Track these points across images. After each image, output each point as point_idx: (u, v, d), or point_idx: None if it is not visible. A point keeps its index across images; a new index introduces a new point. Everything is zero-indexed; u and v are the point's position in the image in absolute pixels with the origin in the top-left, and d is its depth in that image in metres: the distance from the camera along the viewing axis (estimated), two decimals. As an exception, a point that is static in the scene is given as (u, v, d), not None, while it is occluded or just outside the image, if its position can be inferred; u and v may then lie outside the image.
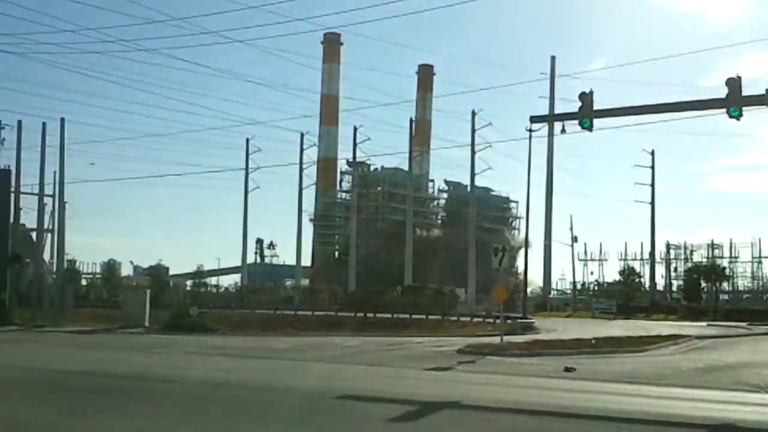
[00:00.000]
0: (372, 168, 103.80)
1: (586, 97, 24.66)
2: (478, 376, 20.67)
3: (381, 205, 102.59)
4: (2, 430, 11.55)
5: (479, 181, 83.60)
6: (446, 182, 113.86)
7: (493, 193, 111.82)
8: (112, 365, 22.36)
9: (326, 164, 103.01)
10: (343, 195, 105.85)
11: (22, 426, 11.97)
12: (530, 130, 49.10)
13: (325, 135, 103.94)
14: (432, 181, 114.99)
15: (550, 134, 78.44)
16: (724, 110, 23.20)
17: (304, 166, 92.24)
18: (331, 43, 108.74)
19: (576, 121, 25.31)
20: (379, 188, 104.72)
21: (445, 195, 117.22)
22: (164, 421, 12.30)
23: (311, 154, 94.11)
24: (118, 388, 16.86)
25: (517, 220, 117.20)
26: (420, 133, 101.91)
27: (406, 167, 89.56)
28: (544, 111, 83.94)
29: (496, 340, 30.55)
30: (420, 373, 21.57)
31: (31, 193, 58.13)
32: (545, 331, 42.95)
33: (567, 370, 21.46)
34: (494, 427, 12.13)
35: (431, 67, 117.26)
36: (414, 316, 49.97)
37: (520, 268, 74.61)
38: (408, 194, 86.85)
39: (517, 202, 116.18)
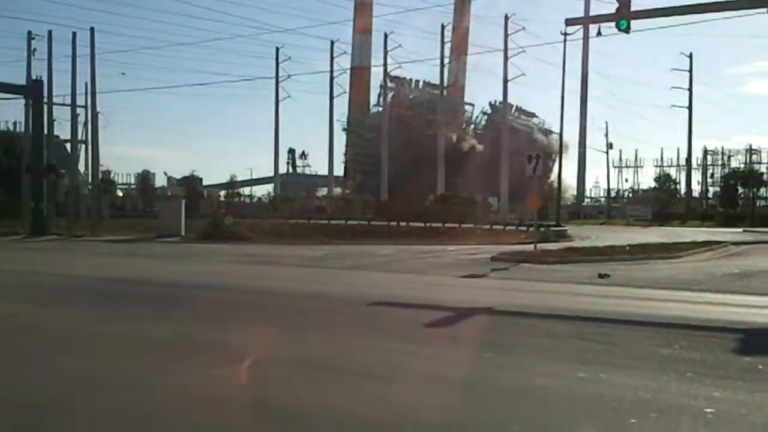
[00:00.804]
0: (410, 81, 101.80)
1: (623, -3, 23.99)
2: (512, 283, 20.75)
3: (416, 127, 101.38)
4: (45, 337, 11.80)
5: (514, 90, 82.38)
6: (490, 105, 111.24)
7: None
8: (150, 273, 22.73)
9: (359, 73, 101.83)
10: (378, 109, 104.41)
11: (69, 332, 12.22)
12: (565, 34, 47.88)
13: (358, 43, 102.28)
14: (472, 105, 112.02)
15: (585, 37, 76.69)
16: (765, 10, 22.50)
17: (335, 74, 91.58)
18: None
19: (612, 23, 24.69)
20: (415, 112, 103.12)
21: (485, 118, 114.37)
22: (202, 327, 12.51)
23: (342, 62, 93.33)
24: (158, 295, 17.15)
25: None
26: (457, 40, 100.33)
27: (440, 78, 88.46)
28: (580, 13, 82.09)
29: (530, 247, 30.60)
30: (454, 280, 21.71)
31: (64, 104, 58.28)
32: (579, 239, 42.92)
33: (601, 276, 21.44)
34: (529, 330, 12.20)
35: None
36: (447, 225, 50.09)
37: (554, 175, 73.83)
38: (440, 106, 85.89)
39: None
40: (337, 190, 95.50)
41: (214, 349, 10.66)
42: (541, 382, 8.64)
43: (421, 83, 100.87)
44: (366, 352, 10.43)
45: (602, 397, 7.94)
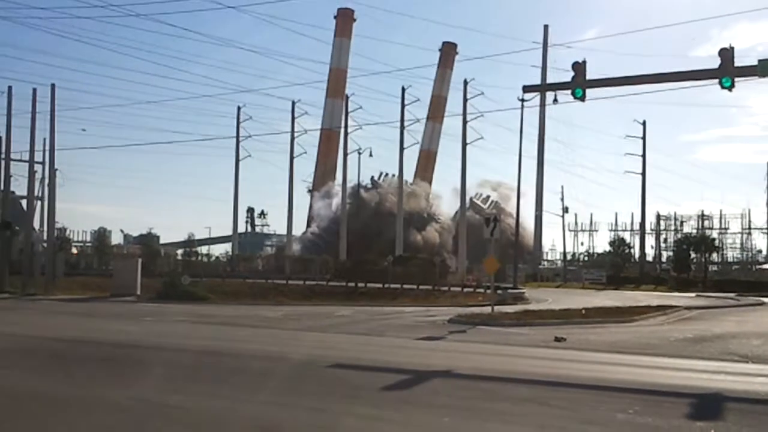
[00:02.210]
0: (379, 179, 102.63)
1: (579, 67, 24.63)
2: (470, 346, 20.82)
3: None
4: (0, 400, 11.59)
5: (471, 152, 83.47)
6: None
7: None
8: (105, 334, 22.44)
9: (329, 135, 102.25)
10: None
11: (21, 396, 12.01)
12: (522, 100, 49.01)
13: (330, 107, 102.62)
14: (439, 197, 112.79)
15: (542, 104, 78.47)
16: (717, 81, 23.24)
17: (296, 134, 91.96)
18: (344, 18, 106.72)
19: (568, 91, 25.30)
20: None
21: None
22: (159, 390, 12.36)
23: (303, 122, 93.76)
24: (113, 357, 16.94)
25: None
26: (434, 107, 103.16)
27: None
28: (537, 81, 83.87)
29: (487, 310, 30.73)
30: (412, 342, 21.71)
31: (21, 160, 57.85)
32: (536, 302, 43.20)
33: (557, 339, 21.63)
34: (487, 394, 12.25)
35: (454, 45, 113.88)
36: (405, 286, 50.15)
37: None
38: (399, 171, 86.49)
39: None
40: (296, 247, 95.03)
41: (169, 414, 10.55)
42: (498, 446, 8.69)
43: (387, 176, 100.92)
44: (322, 415, 10.40)
45: (558, 462, 8.01)
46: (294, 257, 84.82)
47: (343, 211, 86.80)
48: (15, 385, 12.93)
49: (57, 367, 15.34)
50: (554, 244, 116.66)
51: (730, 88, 23.09)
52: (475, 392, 12.59)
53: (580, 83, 24.71)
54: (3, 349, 18.21)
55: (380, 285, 51.06)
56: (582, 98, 24.92)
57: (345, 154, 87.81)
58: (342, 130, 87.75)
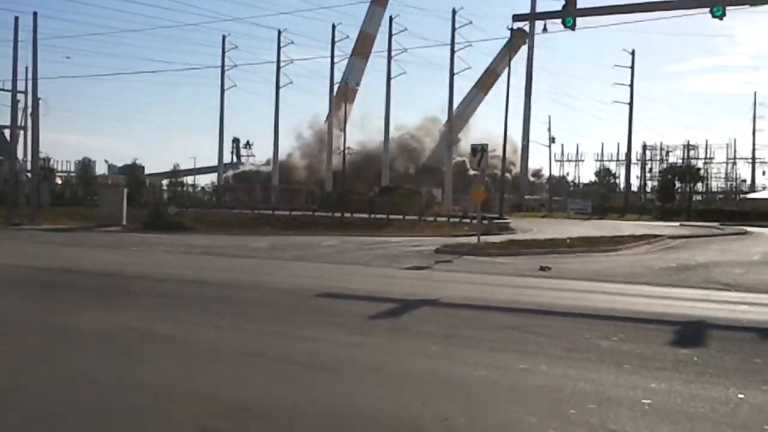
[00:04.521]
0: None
1: (569, -5, 24.32)
2: (456, 275, 20.96)
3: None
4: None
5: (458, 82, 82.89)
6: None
7: None
8: (92, 263, 22.45)
9: (350, 95, 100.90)
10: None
11: (6, 324, 12.03)
12: (512, 29, 48.52)
13: (371, 13, 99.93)
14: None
15: (531, 33, 77.58)
16: (708, 10, 23.01)
17: (282, 64, 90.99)
18: None
19: (559, 20, 25.01)
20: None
21: None
22: (147, 319, 12.42)
23: (288, 52, 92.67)
24: (100, 286, 16.97)
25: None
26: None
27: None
28: (526, 9, 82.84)
29: (473, 240, 30.91)
30: (398, 272, 21.84)
31: (4, 90, 57.03)
32: (521, 232, 43.45)
33: (542, 269, 21.80)
34: (472, 323, 12.37)
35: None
36: (391, 216, 50.30)
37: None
38: (385, 112, 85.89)
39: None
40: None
41: (157, 342, 10.62)
42: (484, 373, 8.80)
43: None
44: (310, 344, 10.48)
45: (543, 388, 8.12)
46: (280, 187, 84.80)
47: (330, 139, 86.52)
48: (4, 315, 12.93)
49: (45, 296, 15.37)
50: (541, 172, 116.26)
51: (721, 17, 22.91)
52: (462, 320, 12.70)
53: (570, 12, 24.45)
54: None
55: (366, 215, 51.19)
56: (572, 27, 24.67)
57: (331, 84, 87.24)
58: (329, 59, 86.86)
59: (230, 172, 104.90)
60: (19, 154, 61.79)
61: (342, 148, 74.46)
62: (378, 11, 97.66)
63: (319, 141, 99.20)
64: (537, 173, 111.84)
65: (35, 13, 56.72)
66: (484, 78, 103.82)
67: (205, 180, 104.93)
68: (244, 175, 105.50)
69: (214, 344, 10.41)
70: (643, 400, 7.60)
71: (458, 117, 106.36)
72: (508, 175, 75.19)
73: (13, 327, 11.63)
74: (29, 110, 58.41)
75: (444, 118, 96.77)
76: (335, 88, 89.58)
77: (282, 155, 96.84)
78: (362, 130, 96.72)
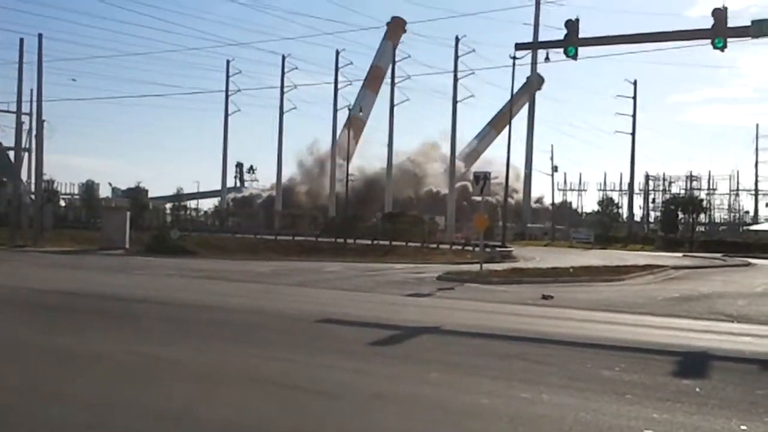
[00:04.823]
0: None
1: (572, 25, 24.49)
2: (458, 303, 20.93)
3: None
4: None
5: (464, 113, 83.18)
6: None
7: None
8: (96, 286, 22.46)
9: (355, 124, 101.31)
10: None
11: (7, 345, 12.03)
12: (514, 58, 48.80)
13: (362, 97, 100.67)
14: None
15: (534, 62, 77.77)
16: (709, 41, 23.16)
17: (285, 89, 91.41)
18: (396, 26, 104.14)
19: (561, 50, 25.16)
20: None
21: None
22: (150, 343, 12.42)
23: (293, 77, 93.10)
24: (105, 309, 16.96)
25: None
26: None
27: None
28: (529, 38, 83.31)
29: (476, 267, 30.85)
30: (400, 298, 21.81)
31: (8, 111, 57.35)
32: (524, 260, 43.41)
33: (545, 297, 21.76)
34: (474, 350, 12.34)
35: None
36: (394, 243, 50.30)
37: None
38: (389, 129, 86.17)
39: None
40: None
41: (163, 367, 10.61)
42: (486, 401, 8.78)
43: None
44: (311, 369, 10.46)
45: (544, 417, 8.10)
46: (283, 212, 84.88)
47: (333, 165, 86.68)
48: (6, 335, 12.93)
49: (50, 319, 15.36)
50: (543, 200, 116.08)
51: (723, 48, 23.03)
52: (463, 348, 12.68)
53: (572, 41, 24.59)
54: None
55: (369, 242, 51.19)
56: (574, 57, 24.81)
57: (335, 110, 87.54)
58: (333, 85, 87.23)
59: (231, 195, 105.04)
60: (23, 176, 62.01)
61: (345, 176, 74.78)
62: (389, 46, 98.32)
63: (320, 166, 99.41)
64: (539, 200, 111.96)
65: (40, 35, 57.02)
66: (498, 117, 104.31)
67: (209, 204, 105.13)
68: (245, 200, 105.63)
69: (216, 368, 10.39)
70: (645, 431, 7.58)
71: (471, 152, 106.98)
72: (511, 200, 75.25)
73: (13, 349, 11.62)
74: (33, 132, 58.69)
75: (444, 144, 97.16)
76: (339, 114, 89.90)
77: (284, 180, 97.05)
78: (361, 156, 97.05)
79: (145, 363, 10.75)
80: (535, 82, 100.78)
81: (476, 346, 12.90)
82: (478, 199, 31.17)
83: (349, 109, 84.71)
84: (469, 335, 14.16)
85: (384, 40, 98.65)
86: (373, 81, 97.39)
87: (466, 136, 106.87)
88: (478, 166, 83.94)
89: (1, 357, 11.02)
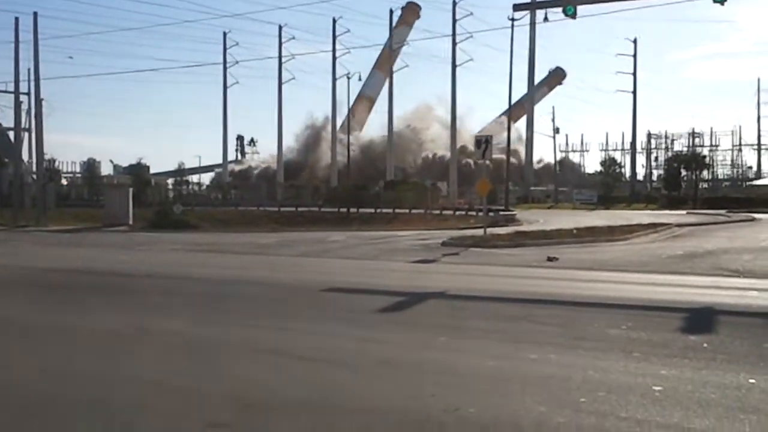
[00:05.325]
0: None
1: (570, -16, 24.27)
2: (463, 267, 20.95)
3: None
4: (-6, 328, 11.63)
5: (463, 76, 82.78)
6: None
7: None
8: (100, 263, 22.50)
9: (363, 101, 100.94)
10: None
11: (16, 324, 12.05)
12: (512, 19, 48.47)
13: (371, 77, 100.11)
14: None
15: (532, 23, 77.29)
16: (709, -5, 22.96)
17: (283, 59, 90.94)
18: (410, 11, 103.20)
19: (559, 9, 24.96)
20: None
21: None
22: (156, 316, 12.44)
23: (290, 47, 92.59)
24: (110, 286, 16.99)
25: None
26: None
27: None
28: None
29: (480, 232, 30.86)
30: (405, 265, 21.83)
31: (6, 92, 57.10)
32: (527, 223, 43.39)
33: (550, 259, 21.76)
34: (481, 314, 12.35)
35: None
36: (397, 211, 50.30)
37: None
38: (389, 106, 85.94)
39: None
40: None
41: (169, 340, 10.62)
42: (494, 363, 8.78)
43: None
44: (318, 338, 10.47)
45: (553, 377, 8.10)
46: (286, 184, 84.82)
47: (334, 137, 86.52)
48: (14, 315, 12.95)
49: (56, 296, 15.39)
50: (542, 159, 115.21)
51: (723, 2, 22.80)
52: (469, 312, 12.69)
53: (571, 0, 24.38)
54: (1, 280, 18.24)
55: (372, 210, 51.18)
56: (573, 16, 24.66)
57: (334, 79, 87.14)
58: (331, 54, 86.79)
59: (231, 168, 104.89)
60: (24, 156, 61.93)
61: (347, 147, 74.78)
62: (404, 30, 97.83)
63: (316, 137, 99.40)
64: (541, 161, 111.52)
65: (35, 14, 56.95)
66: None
67: (211, 178, 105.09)
68: (243, 173, 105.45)
69: (225, 341, 10.40)
70: (654, 387, 7.58)
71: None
72: (513, 159, 75.06)
73: (15, 327, 11.65)
74: (32, 112, 58.52)
75: (439, 107, 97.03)
76: (338, 83, 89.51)
77: (284, 151, 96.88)
78: (358, 124, 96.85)
79: (149, 337, 10.77)
80: (558, 75, 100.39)
81: (482, 310, 12.91)
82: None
83: (348, 78, 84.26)
84: (475, 299, 14.17)
85: (398, 24, 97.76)
86: (385, 63, 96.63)
87: (464, 100, 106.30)
88: (481, 130, 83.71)
89: (9, 336, 11.04)
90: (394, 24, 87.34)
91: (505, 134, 66.19)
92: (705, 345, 9.67)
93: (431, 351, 9.57)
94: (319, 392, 7.69)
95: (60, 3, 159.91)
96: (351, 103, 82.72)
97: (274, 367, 8.93)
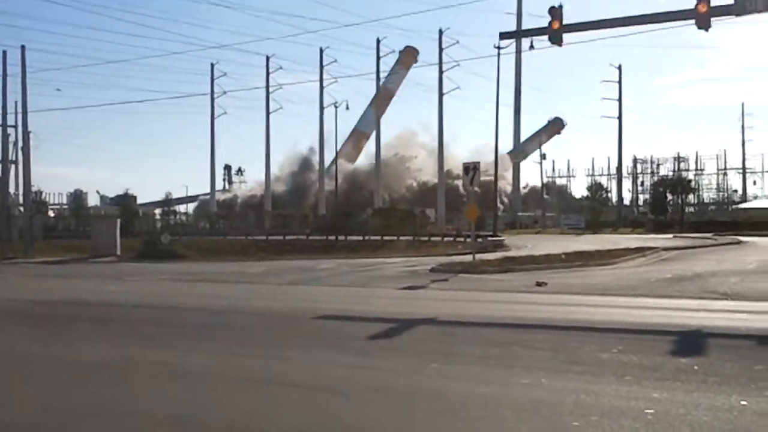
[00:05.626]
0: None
1: (555, 11, 24.51)
2: (452, 293, 20.96)
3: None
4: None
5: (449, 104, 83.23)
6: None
7: None
8: (89, 294, 22.37)
9: (356, 137, 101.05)
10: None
11: (5, 357, 11.99)
12: (498, 47, 48.65)
13: (366, 114, 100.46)
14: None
15: (518, 51, 77.94)
16: (693, 21, 23.20)
17: (271, 90, 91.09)
18: (408, 54, 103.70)
19: (545, 37, 25.19)
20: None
21: None
22: (146, 346, 12.39)
23: (278, 77, 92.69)
24: (98, 317, 16.89)
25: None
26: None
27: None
28: (511, 28, 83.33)
29: (468, 258, 30.89)
30: (395, 292, 21.83)
31: (-7, 124, 56.92)
32: (515, 248, 43.45)
33: (539, 284, 21.81)
34: (472, 340, 12.36)
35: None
36: (385, 238, 50.27)
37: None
38: (376, 135, 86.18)
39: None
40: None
41: (158, 371, 10.58)
42: (486, 389, 8.79)
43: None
44: (311, 366, 10.45)
45: (545, 401, 8.12)
46: (273, 213, 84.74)
47: (321, 166, 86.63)
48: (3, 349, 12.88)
49: (46, 327, 15.29)
50: (528, 185, 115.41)
51: (707, 28, 23.06)
52: (461, 338, 12.70)
53: (556, 28, 24.61)
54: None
55: (361, 237, 51.17)
56: (559, 43, 24.85)
57: (321, 108, 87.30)
58: (318, 83, 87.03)
59: (218, 197, 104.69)
60: (11, 189, 61.66)
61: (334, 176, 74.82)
62: (401, 71, 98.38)
63: (303, 165, 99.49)
64: (527, 186, 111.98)
65: (23, 47, 56.68)
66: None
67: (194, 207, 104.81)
68: (228, 202, 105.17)
69: (217, 371, 10.36)
70: (646, 410, 7.61)
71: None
72: (500, 185, 75.27)
73: (7, 360, 11.58)
74: (20, 144, 58.33)
75: (422, 133, 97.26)
76: (325, 112, 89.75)
77: (272, 180, 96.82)
78: (350, 160, 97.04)
79: (138, 368, 10.71)
80: (557, 124, 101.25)
81: (473, 336, 12.92)
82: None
83: (335, 107, 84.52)
84: (465, 325, 14.18)
85: (396, 65, 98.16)
86: (381, 101, 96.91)
87: (449, 126, 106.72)
88: (467, 157, 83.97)
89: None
90: (381, 53, 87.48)
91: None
92: (696, 367, 9.72)
93: (423, 377, 9.58)
94: (313, 419, 7.69)
95: (46, 36, 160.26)
96: (337, 132, 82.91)
97: (270, 396, 8.92)
